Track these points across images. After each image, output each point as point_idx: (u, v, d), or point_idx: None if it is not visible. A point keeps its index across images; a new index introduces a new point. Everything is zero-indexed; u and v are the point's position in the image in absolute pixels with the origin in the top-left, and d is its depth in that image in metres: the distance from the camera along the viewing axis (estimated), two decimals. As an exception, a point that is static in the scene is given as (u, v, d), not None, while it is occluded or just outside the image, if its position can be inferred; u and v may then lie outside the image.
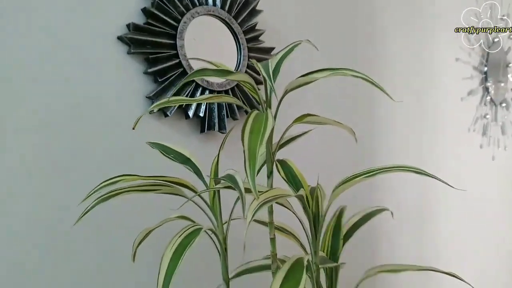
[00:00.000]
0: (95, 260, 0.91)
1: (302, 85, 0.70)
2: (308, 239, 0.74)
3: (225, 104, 1.08)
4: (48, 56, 0.87)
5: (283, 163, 0.78)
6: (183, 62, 1.00)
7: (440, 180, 0.66)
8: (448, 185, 0.68)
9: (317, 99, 1.34)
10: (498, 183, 2.16)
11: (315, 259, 0.72)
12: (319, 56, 1.29)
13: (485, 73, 2.06)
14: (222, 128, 1.07)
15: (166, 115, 1.00)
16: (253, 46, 1.14)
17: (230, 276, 0.78)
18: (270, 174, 0.74)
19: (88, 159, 0.91)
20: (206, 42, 1.06)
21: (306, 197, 0.71)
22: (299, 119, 0.75)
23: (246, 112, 1.12)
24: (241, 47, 1.11)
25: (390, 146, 1.59)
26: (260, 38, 1.18)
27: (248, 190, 0.62)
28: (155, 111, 0.99)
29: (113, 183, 0.68)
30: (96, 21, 0.93)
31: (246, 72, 1.11)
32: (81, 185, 0.88)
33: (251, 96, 1.11)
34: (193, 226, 0.68)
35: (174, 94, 0.97)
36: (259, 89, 0.71)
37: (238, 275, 0.81)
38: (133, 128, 0.72)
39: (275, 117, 0.70)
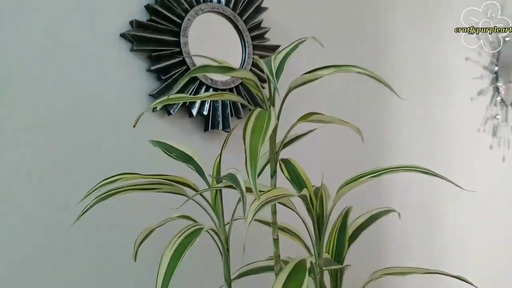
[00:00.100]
0: (95, 260, 0.90)
1: (306, 82, 0.68)
2: (311, 240, 0.72)
3: (230, 102, 1.06)
4: (49, 54, 0.86)
5: (286, 163, 0.77)
6: (187, 60, 0.98)
7: (448, 180, 0.64)
8: (457, 185, 0.66)
9: (323, 98, 1.32)
10: (508, 184, 2.12)
11: (319, 260, 0.71)
12: (325, 55, 1.27)
13: (496, 72, 2.03)
14: (226, 127, 1.05)
15: (169, 113, 0.99)
16: (258, 44, 1.13)
17: (232, 277, 0.77)
18: (273, 174, 0.73)
19: (89, 158, 0.90)
20: (210, 40, 1.05)
21: (310, 197, 0.69)
22: (304, 118, 0.73)
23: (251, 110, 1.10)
24: (246, 45, 1.10)
25: (398, 147, 1.56)
26: (266, 36, 1.16)
27: (249, 190, 0.60)
28: (158, 109, 0.98)
29: (112, 182, 0.67)
30: (99, 18, 0.92)
31: (251, 70, 1.10)
32: (82, 184, 0.87)
33: (255, 95, 1.09)
34: (194, 226, 0.67)
35: (177, 92, 0.96)
36: (263, 88, 0.70)
37: (240, 276, 0.80)
38: (134, 126, 0.71)
39: (278, 115, 0.68)
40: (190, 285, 0.99)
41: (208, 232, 0.73)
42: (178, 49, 0.98)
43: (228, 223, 0.76)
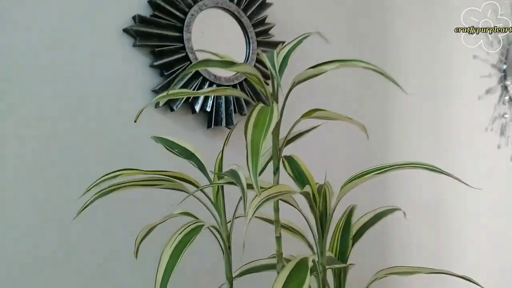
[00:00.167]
0: (96, 257, 0.89)
1: (310, 77, 0.67)
2: (314, 239, 0.71)
3: (233, 99, 1.05)
4: (51, 49, 0.86)
5: (290, 160, 0.76)
6: (190, 55, 0.98)
7: (454, 177, 0.62)
8: (463, 182, 0.64)
9: (327, 94, 1.30)
10: (516, 184, 2.09)
11: (322, 259, 0.69)
12: (331, 54, 1.26)
13: (504, 71, 2.00)
14: (229, 123, 1.04)
15: (172, 110, 0.98)
16: (262, 40, 1.11)
17: (234, 275, 0.75)
18: (276, 171, 0.71)
19: (91, 154, 0.89)
20: (214, 36, 1.04)
21: (313, 194, 0.68)
22: (308, 114, 0.72)
23: (255, 107, 1.09)
24: (250, 41, 1.09)
25: (403, 145, 1.54)
26: (270, 32, 1.15)
27: (251, 186, 0.59)
28: (160, 105, 0.97)
29: (113, 177, 0.66)
30: (101, 13, 0.91)
31: (255, 66, 1.09)
32: (84, 180, 0.86)
33: (259, 91, 1.08)
34: (195, 223, 0.66)
35: (180, 88, 0.95)
36: (267, 84, 0.69)
37: (242, 274, 0.79)
38: (135, 121, 0.69)
39: (282, 110, 0.67)
40: (191, 282, 0.98)
41: (210, 230, 0.72)
42: (181, 45, 0.97)
43: (230, 221, 0.75)
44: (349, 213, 0.84)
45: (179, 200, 0.72)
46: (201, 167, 0.75)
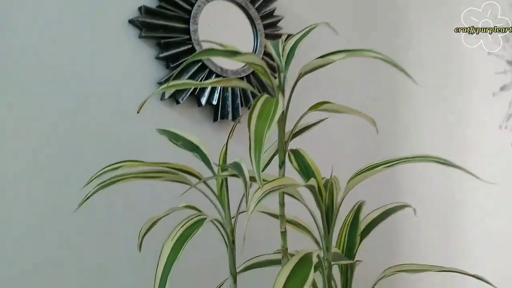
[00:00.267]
0: (98, 250, 0.89)
1: (317, 67, 0.65)
2: (320, 234, 0.69)
3: (240, 92, 1.03)
4: (57, 40, 0.85)
5: (296, 153, 0.74)
6: (196, 47, 0.96)
7: (466, 171, 0.60)
8: (475, 176, 0.62)
9: (335, 86, 1.28)
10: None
11: (327, 254, 0.67)
12: (340, 45, 1.23)
13: (520, 67, 1.95)
14: (236, 117, 1.03)
15: (177, 102, 0.97)
16: (270, 33, 1.10)
17: (238, 270, 0.74)
18: (281, 164, 0.70)
19: (96, 146, 0.89)
20: (221, 28, 1.02)
21: (319, 188, 0.66)
22: (315, 107, 0.70)
23: (262, 101, 1.07)
24: (258, 33, 1.07)
25: (414, 140, 1.51)
26: (278, 24, 1.13)
27: (254, 179, 0.57)
28: (166, 97, 0.95)
29: (114, 169, 0.65)
30: (107, 3, 0.90)
31: (262, 59, 1.07)
32: (88, 171, 0.85)
33: (265, 83, 1.06)
34: (197, 216, 0.65)
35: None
36: (275, 78, 0.67)
37: (246, 269, 0.77)
38: (138, 112, 0.68)
39: (288, 102, 0.65)
40: (194, 277, 0.97)
41: (214, 223, 0.70)
42: (187, 36, 0.96)
43: (233, 216, 0.74)
44: (358, 209, 0.82)
45: (183, 196, 0.71)
46: (205, 160, 0.73)
